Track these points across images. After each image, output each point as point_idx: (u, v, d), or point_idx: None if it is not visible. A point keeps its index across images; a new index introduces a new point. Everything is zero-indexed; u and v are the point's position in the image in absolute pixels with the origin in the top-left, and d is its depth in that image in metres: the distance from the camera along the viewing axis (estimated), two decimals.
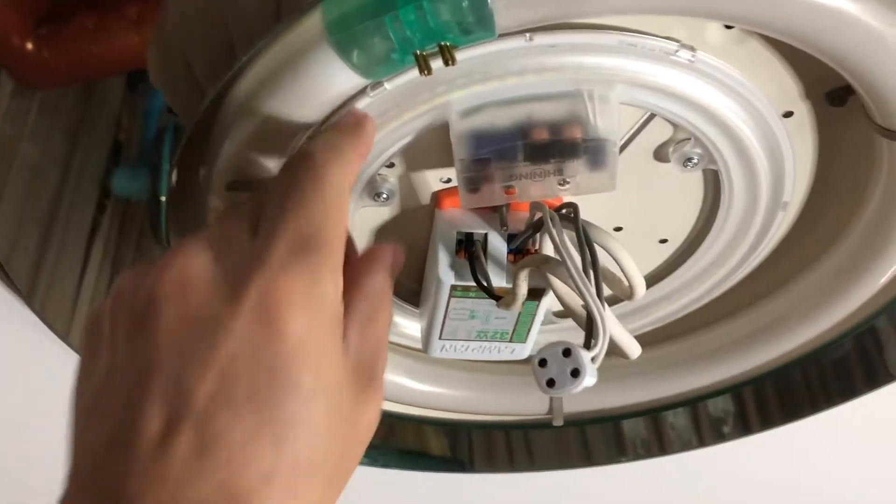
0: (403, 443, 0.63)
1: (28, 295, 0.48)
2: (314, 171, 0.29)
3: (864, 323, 0.52)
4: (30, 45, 0.41)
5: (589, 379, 0.33)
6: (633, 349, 0.41)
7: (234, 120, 0.36)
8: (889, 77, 0.36)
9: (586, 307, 0.36)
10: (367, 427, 0.28)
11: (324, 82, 0.33)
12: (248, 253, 0.27)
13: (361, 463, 0.28)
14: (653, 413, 0.61)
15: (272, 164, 0.37)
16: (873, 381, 0.56)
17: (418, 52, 0.31)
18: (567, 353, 0.33)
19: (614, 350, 0.40)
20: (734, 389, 0.59)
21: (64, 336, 0.51)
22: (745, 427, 0.61)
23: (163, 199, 0.43)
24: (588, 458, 0.64)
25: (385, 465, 0.63)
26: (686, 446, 0.63)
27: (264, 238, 0.27)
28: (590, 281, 0.37)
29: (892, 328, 0.53)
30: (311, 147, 0.30)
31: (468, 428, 0.63)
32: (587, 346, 0.35)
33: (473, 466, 0.64)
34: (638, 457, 0.64)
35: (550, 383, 0.34)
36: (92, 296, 0.51)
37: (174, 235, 0.43)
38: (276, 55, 0.33)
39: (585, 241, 0.38)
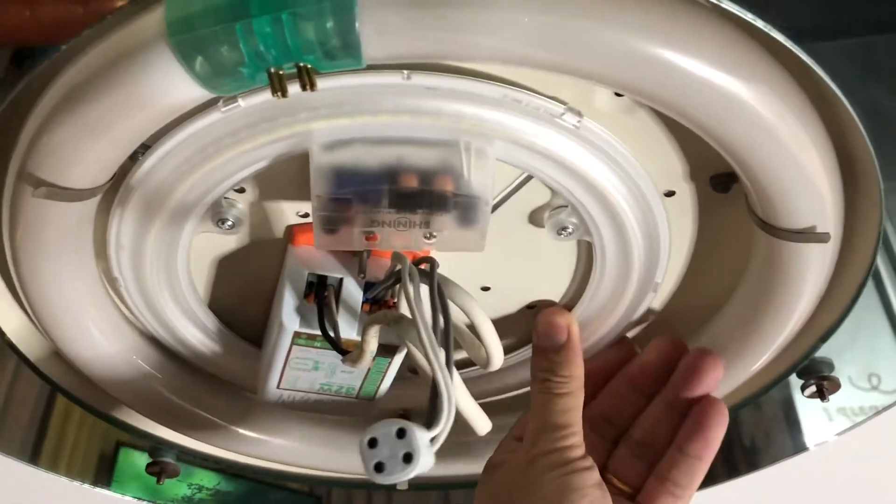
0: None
1: None
2: None
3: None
4: None
5: (424, 464, 0.30)
6: (482, 424, 0.38)
7: (56, 112, 0.30)
8: (773, 170, 0.34)
9: (433, 377, 0.32)
10: None
11: (159, 89, 0.28)
12: None
13: None
14: None
15: (96, 166, 0.32)
16: (732, 470, 0.55)
17: (272, 69, 0.27)
18: (401, 433, 0.30)
19: (462, 422, 0.37)
20: None
21: None
22: None
23: None
24: None
25: None
26: None
27: None
28: (440, 345, 0.34)
29: (754, 420, 0.53)
30: None
31: (329, 485, 0.58)
32: (429, 424, 0.31)
33: None
34: None
35: (379, 467, 0.30)
36: None
37: None
38: (108, 49, 0.29)
39: (440, 302, 0.35)
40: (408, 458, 0.30)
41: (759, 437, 0.56)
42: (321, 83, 0.30)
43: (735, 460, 0.57)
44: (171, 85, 0.28)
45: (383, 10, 0.27)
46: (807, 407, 0.53)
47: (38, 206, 0.33)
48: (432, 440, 0.32)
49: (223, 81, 0.28)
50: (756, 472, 0.57)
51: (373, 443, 0.30)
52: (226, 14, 0.26)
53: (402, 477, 0.30)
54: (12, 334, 0.43)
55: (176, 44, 0.27)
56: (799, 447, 0.55)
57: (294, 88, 0.28)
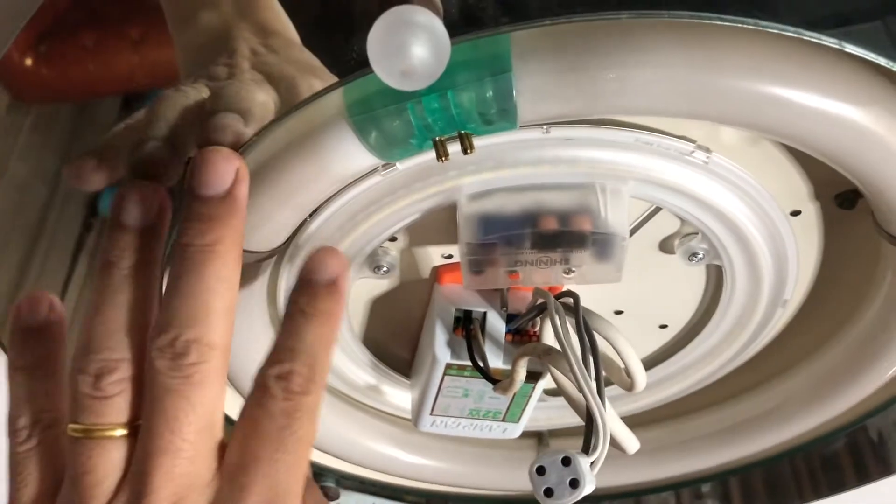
0: None
1: (6, 311, 0.47)
2: None
3: (857, 421, 0.51)
4: (29, 62, 0.40)
5: (588, 488, 0.33)
6: (632, 444, 0.40)
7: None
8: None
9: (587, 406, 0.35)
10: None
11: (341, 159, 0.32)
12: None
13: None
14: (635, 496, 0.60)
15: (276, 231, 0.36)
16: (864, 475, 0.55)
17: (437, 138, 0.31)
18: (566, 462, 0.33)
19: (611, 444, 0.39)
20: (720, 477, 0.58)
21: None
22: None
23: None
24: None
25: None
26: None
27: None
28: (590, 375, 0.36)
29: (886, 427, 0.53)
30: None
31: (445, 498, 0.62)
32: (586, 449, 0.34)
33: None
34: None
35: (548, 493, 0.33)
36: (72, 315, 0.50)
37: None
38: (292, 128, 0.33)
39: (586, 333, 0.37)
40: (574, 484, 0.33)
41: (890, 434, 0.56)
42: None
43: (865, 463, 0.57)
44: (350, 156, 0.32)
45: (538, 77, 0.30)
46: None
47: None
48: (591, 465, 0.34)
49: (395, 151, 0.31)
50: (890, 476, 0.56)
51: (541, 470, 0.33)
52: (399, 94, 0.30)
53: (570, 501, 0.33)
54: None
55: (356, 122, 0.31)
56: None
57: (452, 150, 0.32)
